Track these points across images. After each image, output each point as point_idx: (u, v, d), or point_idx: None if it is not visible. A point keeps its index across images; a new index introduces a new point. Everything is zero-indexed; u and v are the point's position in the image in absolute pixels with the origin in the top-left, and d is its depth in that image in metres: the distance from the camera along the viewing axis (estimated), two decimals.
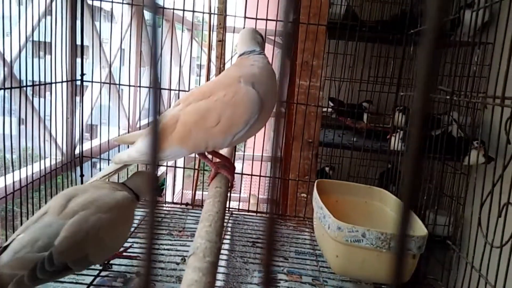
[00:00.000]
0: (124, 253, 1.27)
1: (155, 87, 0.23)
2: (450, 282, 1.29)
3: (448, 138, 1.64)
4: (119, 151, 1.96)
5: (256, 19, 1.72)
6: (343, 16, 2.15)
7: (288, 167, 1.91)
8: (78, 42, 1.71)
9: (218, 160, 1.18)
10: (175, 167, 2.00)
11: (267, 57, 1.09)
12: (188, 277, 0.63)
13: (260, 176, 1.89)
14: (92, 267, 1.20)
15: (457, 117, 1.92)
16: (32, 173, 1.40)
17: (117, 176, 1.27)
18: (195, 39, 3.47)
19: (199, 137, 0.98)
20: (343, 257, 1.16)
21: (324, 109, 2.35)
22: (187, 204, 1.86)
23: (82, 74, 1.71)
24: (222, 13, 1.92)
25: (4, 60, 1.31)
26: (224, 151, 1.27)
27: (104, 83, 1.88)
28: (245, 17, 1.74)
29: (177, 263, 1.32)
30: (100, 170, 2.03)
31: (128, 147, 1.24)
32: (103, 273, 1.22)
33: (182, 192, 2.63)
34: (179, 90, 1.87)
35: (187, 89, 1.91)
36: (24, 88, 1.38)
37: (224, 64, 2.00)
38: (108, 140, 1.78)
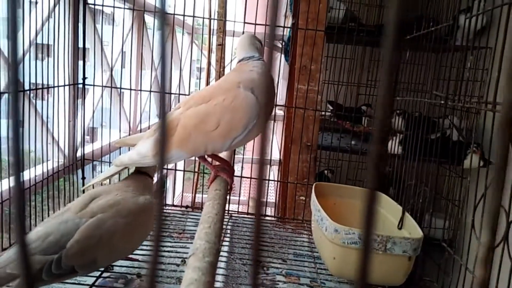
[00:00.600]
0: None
1: (163, 91, 0.25)
2: (445, 284, 1.31)
3: (445, 142, 1.67)
4: (120, 154, 1.98)
5: (255, 24, 1.74)
6: (341, 20, 2.18)
7: (287, 170, 1.93)
8: (80, 45, 1.73)
9: (217, 163, 1.20)
10: (175, 169, 2.02)
11: (265, 62, 1.11)
12: (188, 277, 0.65)
13: (259, 179, 1.91)
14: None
15: (455, 121, 1.94)
16: (35, 176, 1.42)
17: (119, 176, 1.28)
18: (194, 43, 3.50)
19: (198, 140, 1.00)
20: (340, 259, 1.18)
21: (323, 113, 2.37)
22: (187, 206, 1.88)
23: (84, 78, 1.74)
24: (222, 17, 1.95)
25: (8, 64, 1.33)
26: (223, 154, 1.29)
27: (105, 86, 1.90)
28: (244, 22, 1.77)
29: (177, 265, 1.33)
30: (100, 173, 2.05)
31: (129, 149, 1.26)
32: (104, 274, 1.24)
33: (182, 194, 2.65)
34: (179, 94, 1.89)
35: (187, 92, 1.93)
36: (28, 92, 1.40)
37: (223, 67, 2.03)
38: (110, 143, 1.80)
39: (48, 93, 1.51)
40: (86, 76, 1.74)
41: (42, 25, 1.49)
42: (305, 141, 1.84)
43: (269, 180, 2.34)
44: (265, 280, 1.32)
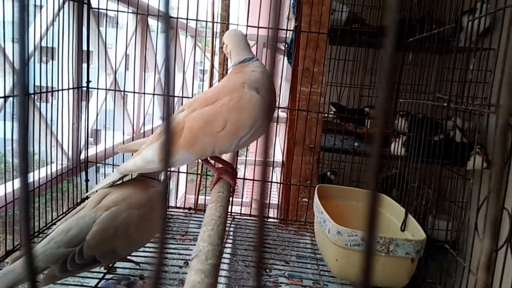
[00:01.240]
0: (128, 257, 1.29)
1: (167, 94, 0.25)
2: (448, 286, 1.31)
3: (449, 143, 1.66)
4: (123, 157, 1.99)
5: (258, 27, 1.75)
6: (344, 22, 2.18)
7: (289, 172, 1.93)
8: (84, 48, 1.75)
9: (220, 165, 1.21)
10: (178, 172, 2.03)
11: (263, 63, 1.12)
12: (191, 279, 0.66)
13: (262, 181, 1.91)
14: (97, 270, 1.23)
15: (460, 122, 1.93)
16: (39, 178, 1.43)
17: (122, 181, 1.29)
18: (198, 45, 3.51)
19: (205, 142, 1.00)
20: (343, 261, 1.18)
21: (326, 114, 2.37)
22: (190, 208, 1.89)
23: (88, 81, 1.75)
24: (225, 21, 1.95)
25: (13, 67, 1.34)
26: (226, 157, 1.30)
27: (109, 89, 1.91)
28: (247, 26, 1.77)
29: (180, 267, 1.34)
30: (103, 175, 2.06)
31: (132, 155, 1.26)
32: (107, 276, 1.25)
33: (185, 196, 2.66)
34: (182, 97, 1.90)
35: (190, 95, 1.94)
36: (32, 95, 1.42)
37: (226, 70, 2.04)
38: (113, 146, 1.81)
39: (52, 96, 1.52)
40: (90, 79, 1.76)
41: (47, 28, 1.51)
42: (308, 143, 1.85)
43: (272, 182, 2.34)
44: (268, 282, 1.32)
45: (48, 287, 1.05)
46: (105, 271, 1.25)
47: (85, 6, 1.73)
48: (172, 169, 1.84)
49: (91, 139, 2.43)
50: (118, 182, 1.23)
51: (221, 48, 2.07)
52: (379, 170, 0.24)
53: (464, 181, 1.50)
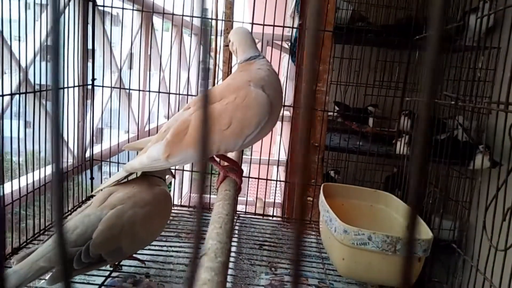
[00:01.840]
0: (134, 255, 1.29)
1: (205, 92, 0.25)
2: (455, 285, 1.30)
3: (453, 143, 1.66)
4: (128, 155, 1.99)
5: (264, 25, 1.74)
6: (348, 21, 2.17)
7: (294, 170, 1.93)
8: (89, 46, 1.74)
9: (226, 163, 1.21)
10: (183, 170, 2.02)
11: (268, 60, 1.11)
12: (201, 277, 0.65)
13: (267, 179, 1.92)
14: (103, 268, 1.23)
15: (462, 121, 1.93)
16: (45, 175, 1.43)
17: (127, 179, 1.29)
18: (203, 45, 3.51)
19: (211, 140, 1.01)
20: (349, 260, 1.18)
21: (330, 113, 2.37)
22: (194, 206, 1.89)
23: (93, 79, 1.75)
24: (229, 18, 1.95)
25: (20, 65, 1.34)
26: (232, 155, 1.30)
27: (114, 87, 1.91)
28: (252, 23, 1.77)
29: (186, 265, 1.34)
30: (106, 173, 2.06)
31: (137, 153, 1.26)
32: (113, 274, 1.24)
33: (190, 195, 2.66)
34: (187, 95, 1.90)
35: (194, 93, 1.93)
36: (38, 93, 1.42)
37: (230, 68, 2.03)
38: (118, 144, 1.81)
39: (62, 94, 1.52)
40: (95, 77, 1.76)
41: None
42: (312, 142, 1.84)
43: (277, 180, 2.34)
44: (274, 281, 1.32)
45: (55, 286, 1.05)
46: (111, 269, 1.25)
47: (90, 4, 1.72)
48: (178, 167, 1.84)
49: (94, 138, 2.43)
50: (124, 181, 1.23)
51: (225, 46, 2.07)
52: (421, 179, 0.23)
53: (471, 180, 1.49)
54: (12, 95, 1.32)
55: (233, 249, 1.48)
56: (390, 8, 2.55)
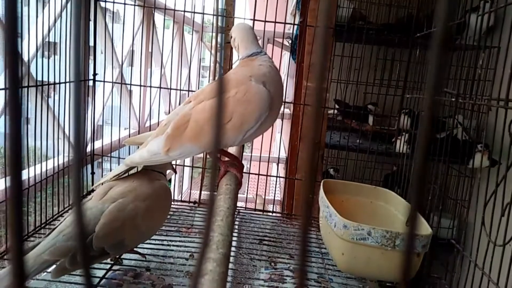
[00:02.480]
0: (135, 249, 1.30)
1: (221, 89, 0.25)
2: (454, 281, 1.31)
3: (453, 141, 1.67)
4: (129, 150, 2.00)
5: (265, 21, 1.75)
6: (349, 19, 2.18)
7: (293, 168, 1.94)
8: (91, 43, 1.75)
9: (227, 158, 1.21)
10: (184, 165, 2.03)
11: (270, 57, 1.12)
12: (203, 267, 0.66)
13: (267, 175, 1.92)
14: (104, 261, 1.23)
15: (462, 120, 1.94)
16: (46, 170, 1.44)
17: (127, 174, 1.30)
18: (204, 43, 3.51)
19: (211, 134, 1.01)
20: (349, 254, 1.18)
21: (330, 111, 2.38)
22: (195, 202, 1.90)
23: (95, 74, 1.75)
24: (231, 15, 1.96)
25: (22, 60, 1.35)
26: (232, 150, 1.30)
27: (115, 82, 1.91)
28: (254, 20, 1.77)
29: (186, 259, 1.35)
30: (109, 169, 2.07)
31: (138, 148, 1.26)
32: (114, 267, 1.25)
33: (190, 191, 2.67)
34: (188, 90, 1.91)
35: (194, 89, 1.94)
36: (40, 87, 1.42)
37: (231, 65, 2.04)
38: (119, 139, 1.81)
39: (59, 90, 1.53)
40: (96, 72, 1.76)
41: (55, 21, 1.51)
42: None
43: (277, 176, 2.35)
44: (273, 275, 1.33)
45: (58, 278, 1.05)
46: (112, 262, 1.26)
47: (92, 0, 1.73)
48: (178, 162, 1.84)
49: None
50: (124, 175, 1.24)
51: (227, 43, 2.07)
52: (424, 178, 0.24)
53: (470, 179, 1.50)
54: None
55: (233, 243, 1.49)
56: (391, 6, 2.55)
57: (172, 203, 1.82)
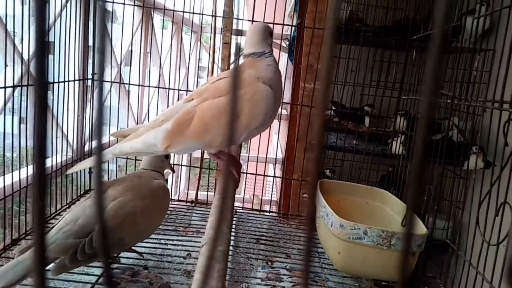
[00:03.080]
0: (132, 248, 1.31)
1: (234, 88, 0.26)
2: (448, 280, 1.33)
3: (448, 143, 1.68)
4: None
5: (263, 23, 1.76)
6: (346, 21, 2.20)
7: (290, 168, 1.95)
8: (90, 42, 1.76)
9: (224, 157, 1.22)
10: (181, 165, 2.04)
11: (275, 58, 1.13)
12: (201, 264, 0.67)
13: (264, 176, 1.94)
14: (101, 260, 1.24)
15: (457, 122, 1.96)
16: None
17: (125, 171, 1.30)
18: (202, 44, 3.52)
19: (215, 132, 1.01)
20: (345, 254, 1.20)
21: (327, 112, 2.39)
22: (192, 201, 1.91)
23: (93, 73, 1.76)
24: (229, 16, 1.97)
25: (22, 58, 1.35)
26: (231, 150, 1.31)
27: (114, 82, 1.92)
28: (252, 20, 1.79)
29: (184, 258, 1.35)
30: (105, 167, 2.07)
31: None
32: (112, 266, 1.26)
33: (188, 191, 2.67)
34: (186, 90, 1.91)
35: (192, 89, 1.95)
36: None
37: (229, 66, 2.05)
38: (117, 139, 1.81)
39: (58, 89, 1.53)
40: (95, 71, 1.77)
41: (55, 21, 1.52)
42: (310, 140, 1.86)
43: (274, 176, 2.36)
44: (270, 274, 1.34)
45: (57, 276, 1.06)
46: (110, 261, 1.26)
47: (92, 0, 1.73)
48: (176, 161, 1.85)
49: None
50: (121, 177, 1.24)
51: (225, 44, 2.08)
52: (421, 178, 0.25)
53: (466, 180, 1.52)
54: (14, 87, 1.33)
55: (231, 242, 1.50)
56: (388, 8, 2.57)
57: (169, 202, 1.83)
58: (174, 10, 1.83)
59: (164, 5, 1.87)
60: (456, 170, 1.94)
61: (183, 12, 1.83)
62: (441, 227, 1.94)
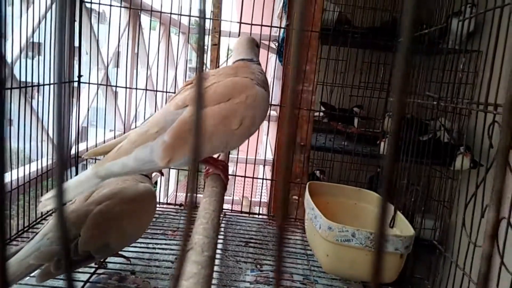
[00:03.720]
0: (119, 252, 1.29)
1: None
2: (436, 281, 1.34)
3: (435, 144, 1.70)
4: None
5: (252, 24, 1.76)
6: (335, 23, 2.20)
7: (280, 169, 1.94)
8: (76, 44, 1.73)
9: (211, 161, 1.21)
10: (170, 168, 2.02)
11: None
12: (187, 270, 0.66)
13: (253, 178, 1.93)
14: (88, 265, 1.22)
15: (445, 123, 1.98)
16: (30, 172, 1.42)
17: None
18: (190, 45, 3.51)
19: (218, 140, 0.96)
20: (333, 256, 1.20)
21: (316, 114, 2.40)
22: (180, 204, 1.89)
23: (80, 76, 1.73)
24: (217, 17, 1.96)
25: (5, 61, 1.33)
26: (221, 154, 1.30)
27: (101, 84, 1.90)
28: (240, 22, 1.78)
29: (172, 262, 1.34)
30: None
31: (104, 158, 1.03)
32: (98, 271, 1.24)
33: (176, 193, 2.66)
34: (174, 93, 1.90)
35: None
36: (24, 89, 1.40)
37: (218, 67, 2.04)
38: (104, 141, 1.80)
39: (43, 91, 1.51)
40: (81, 74, 1.74)
41: (39, 22, 1.49)
42: (298, 141, 1.86)
43: (263, 179, 2.36)
44: (259, 277, 1.33)
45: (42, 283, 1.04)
46: (96, 266, 1.25)
47: (78, 1, 1.71)
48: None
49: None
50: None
51: (213, 45, 2.07)
52: (392, 176, 0.25)
53: (452, 181, 1.53)
54: None
55: (219, 246, 1.49)
56: (376, 10, 2.59)
57: (158, 206, 1.82)
58: (161, 12, 1.82)
59: (152, 7, 1.85)
60: (444, 170, 1.96)
61: (171, 14, 1.82)
62: (430, 226, 1.96)
